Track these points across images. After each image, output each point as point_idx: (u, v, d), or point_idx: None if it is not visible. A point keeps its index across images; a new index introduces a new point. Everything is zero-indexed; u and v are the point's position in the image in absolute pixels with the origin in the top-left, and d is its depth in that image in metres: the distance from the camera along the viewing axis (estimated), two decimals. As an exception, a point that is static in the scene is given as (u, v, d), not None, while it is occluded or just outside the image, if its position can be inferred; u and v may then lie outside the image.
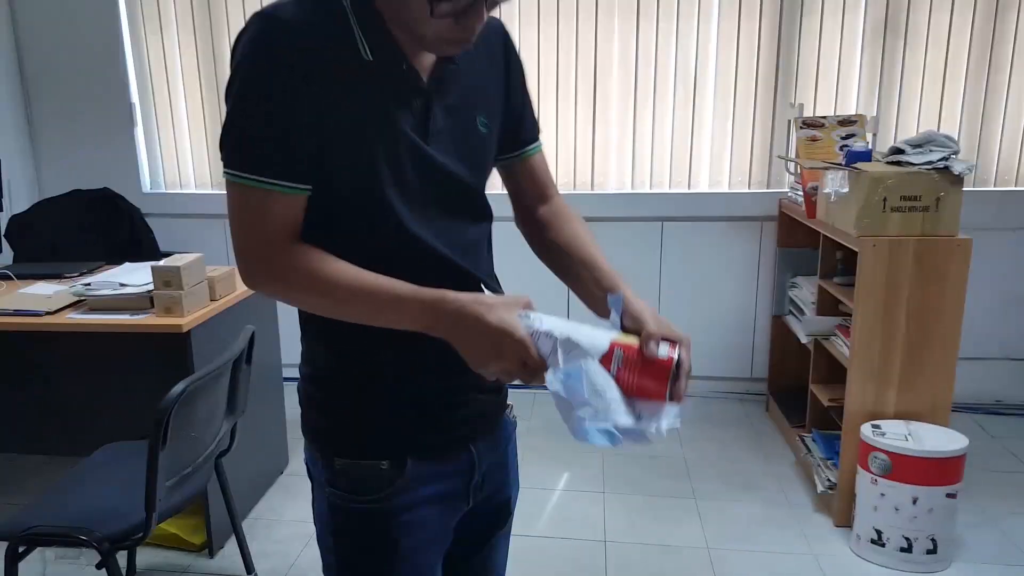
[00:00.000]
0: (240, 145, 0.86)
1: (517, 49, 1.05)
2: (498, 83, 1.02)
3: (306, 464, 1.03)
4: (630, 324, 0.87)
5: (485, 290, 0.98)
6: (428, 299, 0.84)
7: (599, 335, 0.82)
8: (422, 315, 0.84)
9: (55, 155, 3.50)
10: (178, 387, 1.61)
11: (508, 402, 1.08)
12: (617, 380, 0.80)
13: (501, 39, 1.02)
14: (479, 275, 0.98)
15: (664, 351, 0.81)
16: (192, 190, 3.50)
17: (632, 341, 0.83)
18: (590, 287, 0.99)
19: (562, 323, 0.82)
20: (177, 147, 3.48)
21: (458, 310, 0.82)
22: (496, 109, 1.01)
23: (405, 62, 0.89)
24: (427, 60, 0.91)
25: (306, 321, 0.98)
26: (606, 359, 0.80)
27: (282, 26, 0.83)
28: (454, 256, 0.94)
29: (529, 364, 0.80)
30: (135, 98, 3.43)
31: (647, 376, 0.80)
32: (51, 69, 3.41)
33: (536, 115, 1.10)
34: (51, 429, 2.49)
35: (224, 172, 0.87)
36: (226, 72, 3.25)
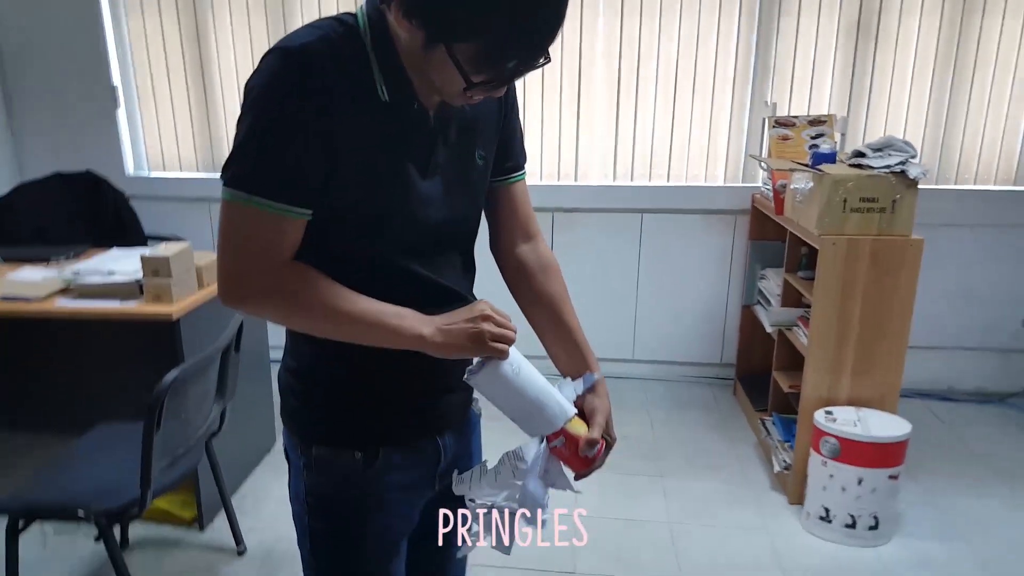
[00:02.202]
0: (251, 168, 0.89)
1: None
2: (496, 110, 1.06)
3: (284, 448, 1.11)
4: (585, 407, 1.06)
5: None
6: (406, 334, 0.95)
7: (555, 413, 1.01)
8: (404, 342, 0.95)
9: (36, 137, 3.50)
10: (170, 375, 1.70)
11: (474, 396, 1.17)
12: (551, 450, 1.02)
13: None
14: (463, 293, 1.07)
15: (595, 450, 1.02)
16: (177, 173, 3.53)
17: (577, 431, 1.02)
18: (564, 355, 1.12)
19: (532, 387, 1.00)
20: (161, 130, 3.50)
21: (429, 339, 0.95)
22: (492, 138, 1.07)
23: (416, 102, 0.94)
24: (433, 98, 0.96)
25: None
26: (555, 435, 1.01)
27: (303, 61, 0.87)
28: (443, 281, 1.03)
29: (494, 318, 0.95)
30: (117, 80, 3.43)
31: (573, 459, 1.02)
32: (29, 49, 3.39)
33: (524, 144, 1.15)
34: (44, 409, 2.56)
35: (227, 191, 0.90)
36: (211, 55, 3.30)
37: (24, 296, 2.18)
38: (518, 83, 1.02)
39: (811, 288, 2.46)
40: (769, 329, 2.84)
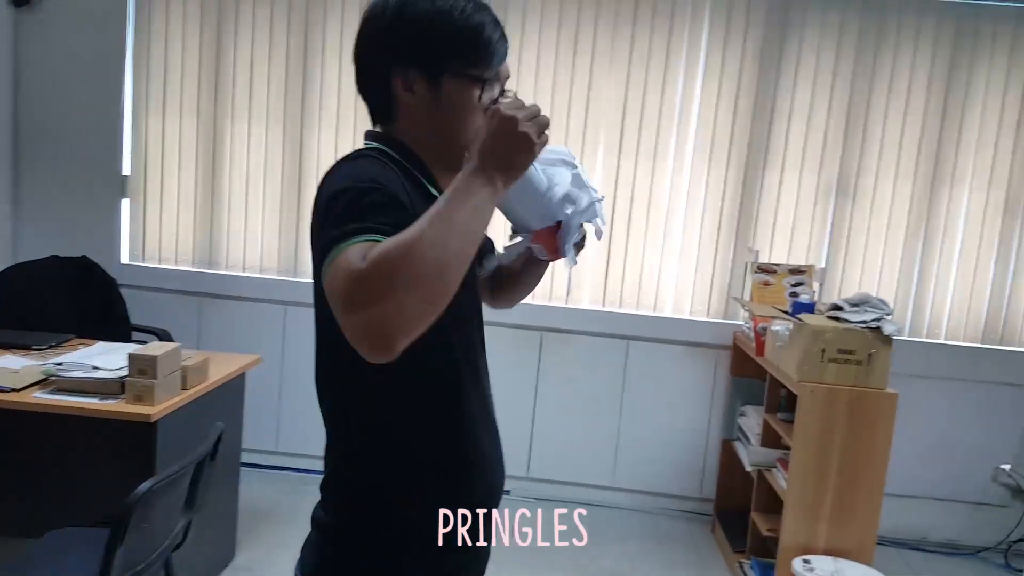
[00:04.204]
0: (356, 222, 0.88)
1: None
2: None
3: None
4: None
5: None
6: (470, 175, 0.91)
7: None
8: (481, 184, 0.91)
9: (37, 219, 3.53)
10: (142, 487, 1.63)
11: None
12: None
13: None
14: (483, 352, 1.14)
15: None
16: (171, 266, 3.56)
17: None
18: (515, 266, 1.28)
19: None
20: (163, 222, 3.56)
21: (484, 155, 0.92)
22: None
23: None
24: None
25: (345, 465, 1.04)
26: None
27: (374, 161, 0.99)
28: (481, 355, 1.12)
29: (532, 110, 0.94)
30: (127, 171, 3.53)
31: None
32: (47, 132, 3.49)
33: None
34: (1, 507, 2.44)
35: (332, 253, 0.86)
36: (224, 159, 3.41)
37: (1, 386, 2.15)
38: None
39: (790, 431, 2.50)
40: (749, 468, 2.85)
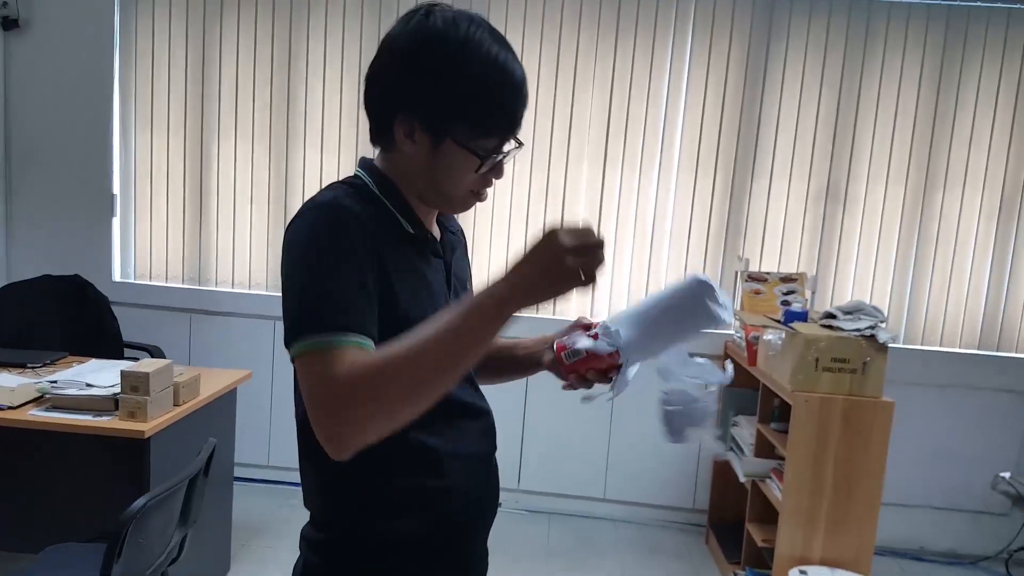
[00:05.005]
0: (327, 309, 0.89)
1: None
2: (467, 265, 1.22)
3: None
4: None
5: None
6: (487, 302, 0.89)
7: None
8: (498, 305, 0.88)
9: (29, 238, 3.54)
10: (137, 503, 1.64)
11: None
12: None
13: (463, 238, 1.21)
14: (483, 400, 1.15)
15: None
16: (162, 283, 3.57)
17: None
18: (521, 353, 1.23)
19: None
20: (152, 240, 3.57)
21: (520, 276, 0.88)
22: (469, 279, 1.20)
23: (428, 233, 1.06)
24: (434, 229, 1.09)
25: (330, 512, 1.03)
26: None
27: (341, 207, 0.95)
28: (471, 389, 1.11)
29: (587, 242, 0.86)
30: (116, 189, 3.53)
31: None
32: (38, 149, 3.50)
33: None
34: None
35: (305, 344, 0.87)
36: (211, 176, 3.42)
37: (-4, 404, 2.15)
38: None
39: (784, 441, 2.49)
40: (742, 479, 2.84)
